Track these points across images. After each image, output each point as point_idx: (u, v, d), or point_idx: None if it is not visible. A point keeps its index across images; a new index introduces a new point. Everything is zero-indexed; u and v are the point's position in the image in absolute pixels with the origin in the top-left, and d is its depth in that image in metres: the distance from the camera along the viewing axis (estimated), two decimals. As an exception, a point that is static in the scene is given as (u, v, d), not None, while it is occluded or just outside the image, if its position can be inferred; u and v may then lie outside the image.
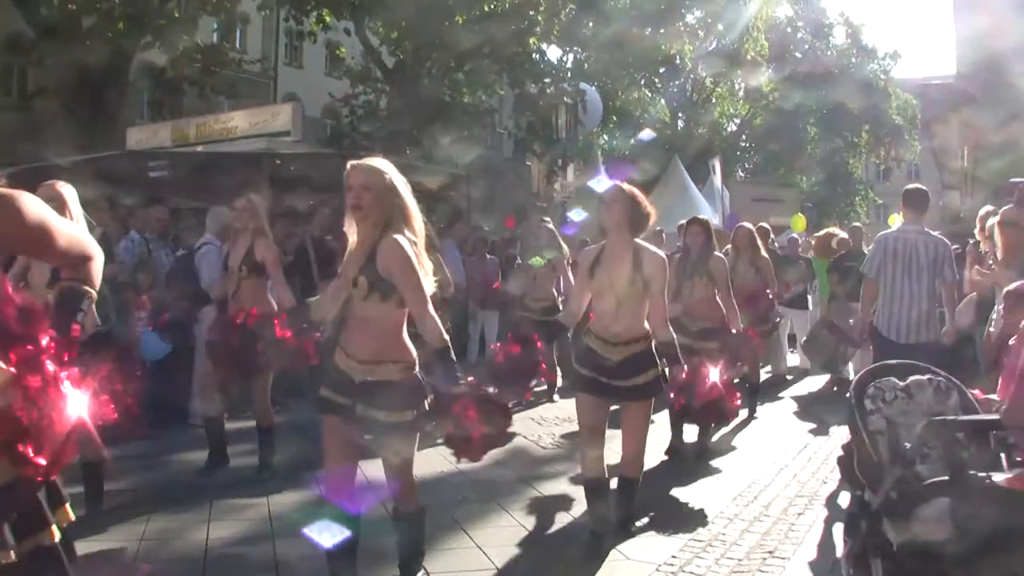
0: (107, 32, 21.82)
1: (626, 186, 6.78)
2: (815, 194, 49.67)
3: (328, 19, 26.60)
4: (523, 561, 6.45)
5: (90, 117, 21.79)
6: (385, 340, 5.10)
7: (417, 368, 5.18)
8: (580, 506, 7.55)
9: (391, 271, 4.96)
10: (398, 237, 4.97)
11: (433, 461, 7.97)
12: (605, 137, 34.59)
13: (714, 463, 9.49)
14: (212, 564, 6.24)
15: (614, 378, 6.55)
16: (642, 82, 33.11)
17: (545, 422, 11.68)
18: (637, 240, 6.60)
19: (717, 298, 9.76)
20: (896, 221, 11.20)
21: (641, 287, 6.45)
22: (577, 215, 5.90)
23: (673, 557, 6.41)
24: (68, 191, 6.56)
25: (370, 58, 28.71)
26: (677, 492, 8.31)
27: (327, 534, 4.61)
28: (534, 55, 27.95)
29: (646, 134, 33.04)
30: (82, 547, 6.31)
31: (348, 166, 5.12)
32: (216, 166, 16.48)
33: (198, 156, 17.70)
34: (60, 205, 6.61)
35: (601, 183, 5.96)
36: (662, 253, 6.78)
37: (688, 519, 7.38)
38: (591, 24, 28.20)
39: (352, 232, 5.15)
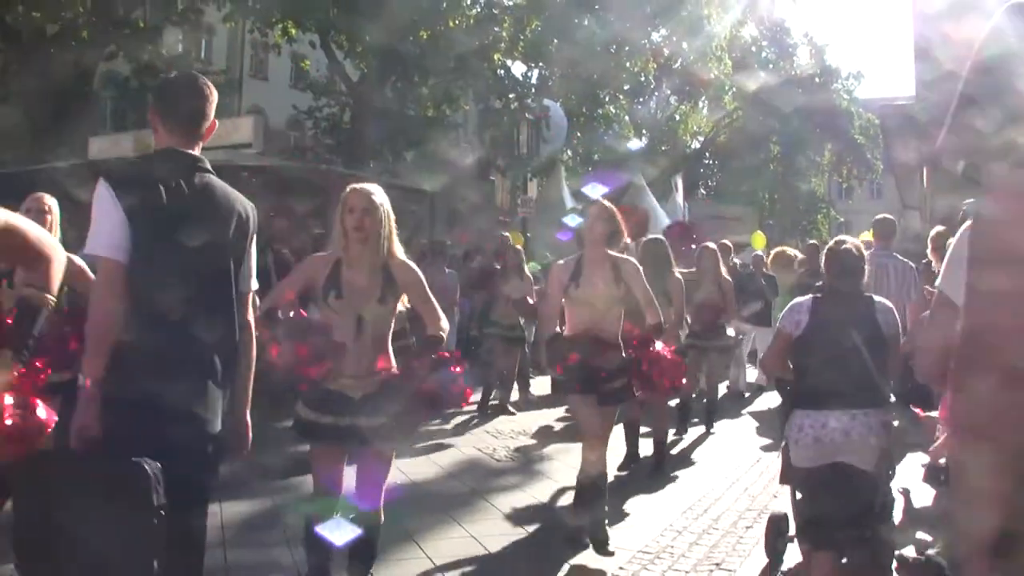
0: (71, 41, 21.75)
1: (607, 203, 7.33)
2: (776, 212, 50.08)
3: (293, 32, 26.60)
4: (473, 573, 6.50)
5: (53, 125, 21.67)
6: (384, 351, 5.36)
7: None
8: (532, 519, 7.65)
9: (408, 289, 5.36)
10: (406, 259, 5.43)
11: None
12: (569, 153, 34.68)
13: (667, 476, 9.58)
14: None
15: (596, 381, 6.88)
16: (607, 99, 33.18)
17: (501, 435, 11.76)
18: (610, 252, 7.06)
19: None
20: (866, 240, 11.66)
21: (623, 294, 6.96)
22: (572, 220, 6.01)
23: (620, 568, 6.50)
24: (53, 203, 6.70)
25: (334, 71, 28.72)
26: (628, 505, 8.38)
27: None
28: (499, 71, 28.03)
29: (634, 144, 33.17)
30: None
31: (349, 189, 5.41)
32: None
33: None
34: (44, 217, 6.75)
35: (596, 188, 6.18)
36: (634, 260, 7.29)
37: (637, 531, 7.45)
38: (555, 42, 28.31)
39: (341, 251, 5.38)
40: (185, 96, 4.24)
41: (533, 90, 29.53)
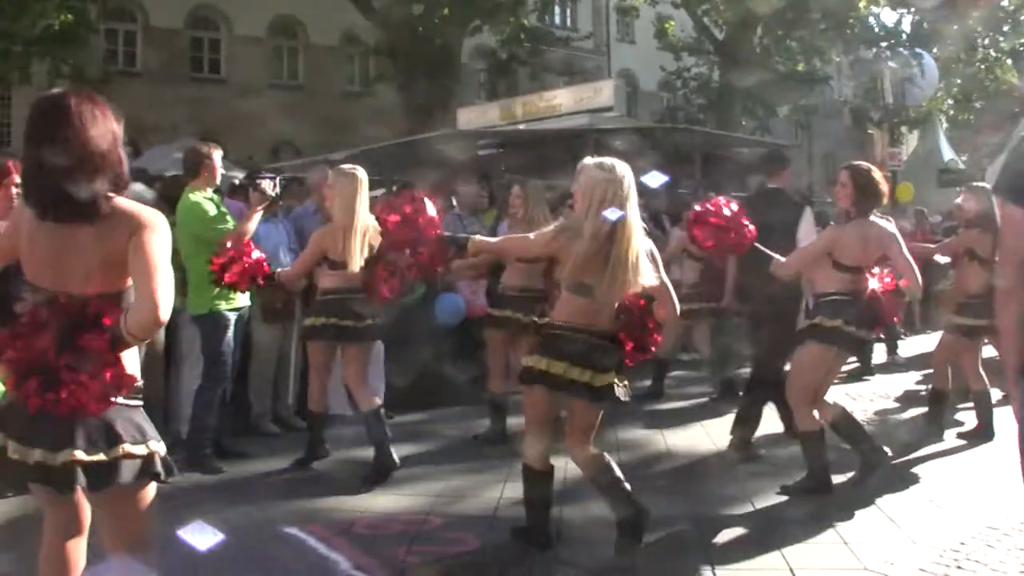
0: (434, 19, 22.68)
1: (857, 166, 7.24)
2: None
3: (653, -7, 26.77)
4: (804, 532, 6.32)
5: (425, 100, 22.74)
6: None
7: None
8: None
9: None
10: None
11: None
12: (950, 101, 32.99)
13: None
14: (500, 522, 6.48)
15: None
16: (985, 41, 31.26)
17: (859, 398, 11.34)
18: (871, 217, 7.06)
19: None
20: None
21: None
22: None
23: (961, 544, 6.06)
24: (361, 176, 7.15)
25: (699, 30, 28.58)
26: (977, 474, 7.91)
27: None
28: (868, 19, 27.02)
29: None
30: (383, 501, 6.83)
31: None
32: (540, 143, 16.89)
33: (523, 134, 18.15)
34: (351, 188, 7.32)
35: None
36: (890, 227, 7.10)
37: (985, 504, 6.97)
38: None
39: None
40: None
41: (904, 37, 28.22)
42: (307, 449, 7.87)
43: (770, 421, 8.77)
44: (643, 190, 6.18)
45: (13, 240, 3.60)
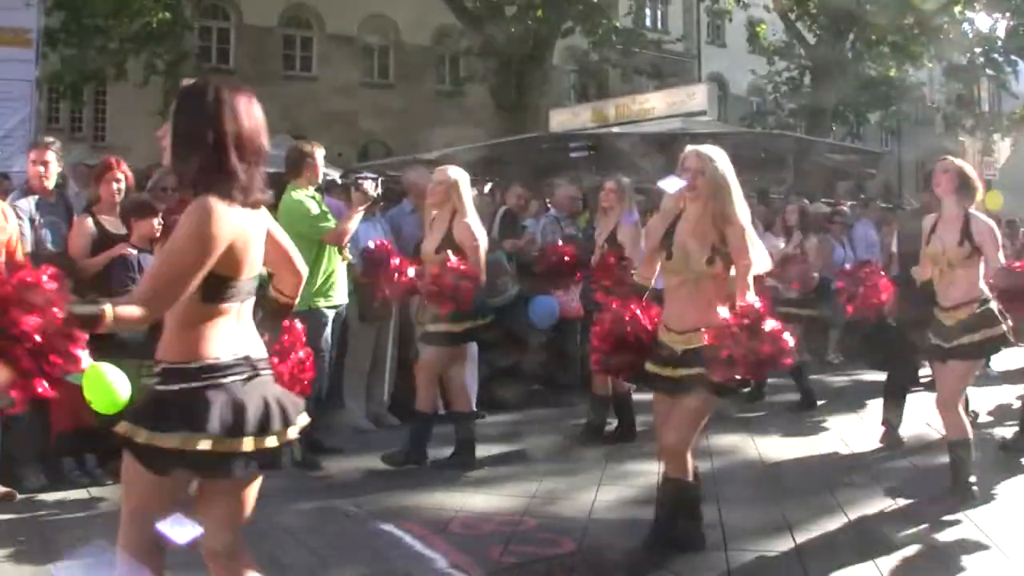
0: (527, 20, 22.76)
1: (957, 159, 7.26)
2: None
3: (745, -4, 26.66)
4: (896, 544, 6.26)
5: (516, 101, 22.83)
6: (709, 308, 5.46)
7: None
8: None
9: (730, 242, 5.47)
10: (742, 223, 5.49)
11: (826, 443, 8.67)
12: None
13: None
14: (595, 524, 6.49)
15: (945, 340, 6.95)
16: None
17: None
18: (969, 210, 7.01)
19: None
20: None
21: (969, 252, 6.85)
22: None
23: None
24: (460, 176, 7.21)
25: (791, 34, 28.36)
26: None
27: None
28: (963, 25, 26.60)
29: None
30: (478, 500, 6.89)
31: (686, 149, 5.67)
32: (632, 146, 16.89)
33: (615, 137, 18.17)
34: (446, 189, 7.45)
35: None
36: (991, 221, 7.10)
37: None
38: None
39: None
40: None
41: (999, 43, 27.74)
42: (409, 448, 7.92)
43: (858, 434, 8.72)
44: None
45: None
